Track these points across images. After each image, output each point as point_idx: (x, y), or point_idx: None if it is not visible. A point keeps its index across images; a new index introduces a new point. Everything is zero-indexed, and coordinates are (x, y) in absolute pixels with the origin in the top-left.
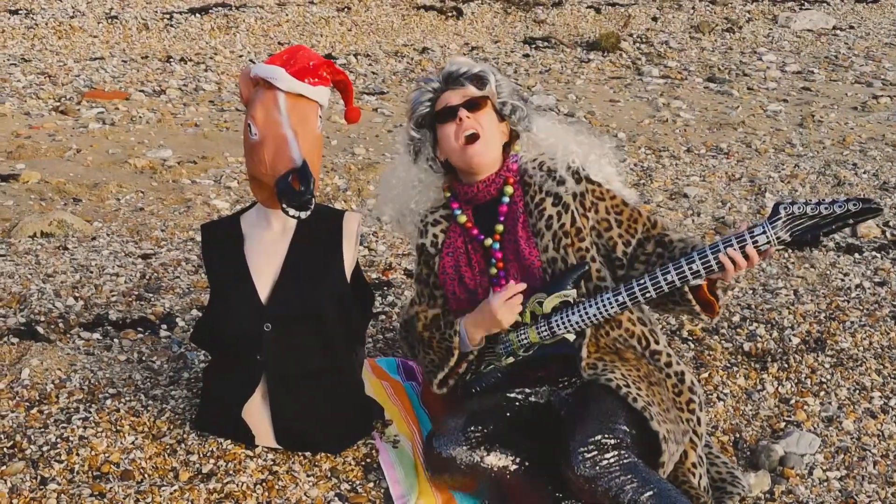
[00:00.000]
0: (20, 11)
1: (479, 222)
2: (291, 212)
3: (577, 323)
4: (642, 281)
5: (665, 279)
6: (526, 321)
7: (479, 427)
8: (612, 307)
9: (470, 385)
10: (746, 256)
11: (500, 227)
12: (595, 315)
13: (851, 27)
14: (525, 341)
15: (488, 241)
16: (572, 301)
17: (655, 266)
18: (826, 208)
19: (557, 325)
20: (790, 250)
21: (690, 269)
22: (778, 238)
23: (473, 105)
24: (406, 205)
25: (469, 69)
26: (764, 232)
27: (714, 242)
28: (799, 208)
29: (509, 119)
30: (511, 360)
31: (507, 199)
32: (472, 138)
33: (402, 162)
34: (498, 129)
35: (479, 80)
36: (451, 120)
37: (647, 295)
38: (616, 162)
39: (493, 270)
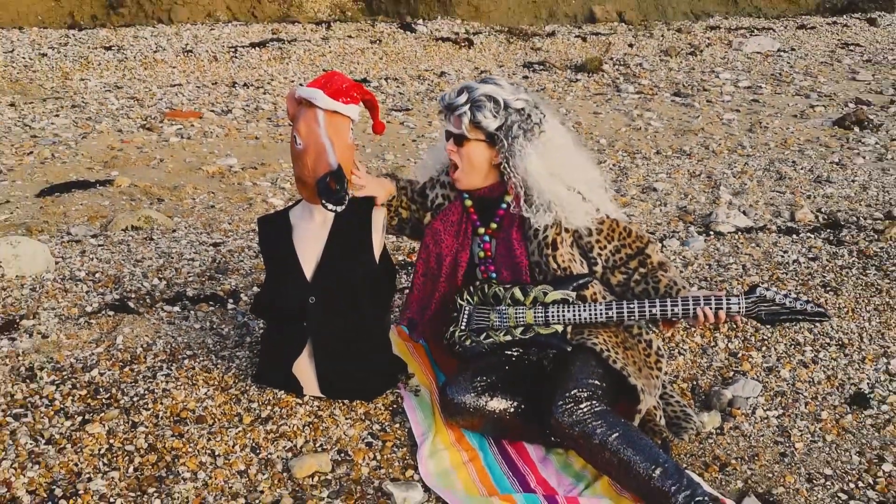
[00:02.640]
0: (113, 48)
1: (478, 211)
2: (329, 206)
3: (568, 319)
4: (631, 307)
5: (650, 311)
6: (527, 303)
7: (484, 378)
8: (600, 317)
9: (469, 351)
10: (716, 316)
11: (493, 225)
12: (585, 318)
13: (793, 49)
14: (521, 319)
15: (481, 230)
16: (570, 301)
17: (638, 288)
18: (791, 302)
19: (552, 315)
20: (749, 320)
21: (672, 310)
22: (746, 310)
23: (458, 140)
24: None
25: (453, 105)
26: (738, 303)
27: (696, 296)
28: (771, 294)
29: (496, 146)
30: (508, 338)
31: (505, 206)
32: (455, 167)
33: (440, 141)
34: (484, 157)
35: (459, 120)
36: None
37: (632, 318)
38: (606, 190)
39: (482, 254)
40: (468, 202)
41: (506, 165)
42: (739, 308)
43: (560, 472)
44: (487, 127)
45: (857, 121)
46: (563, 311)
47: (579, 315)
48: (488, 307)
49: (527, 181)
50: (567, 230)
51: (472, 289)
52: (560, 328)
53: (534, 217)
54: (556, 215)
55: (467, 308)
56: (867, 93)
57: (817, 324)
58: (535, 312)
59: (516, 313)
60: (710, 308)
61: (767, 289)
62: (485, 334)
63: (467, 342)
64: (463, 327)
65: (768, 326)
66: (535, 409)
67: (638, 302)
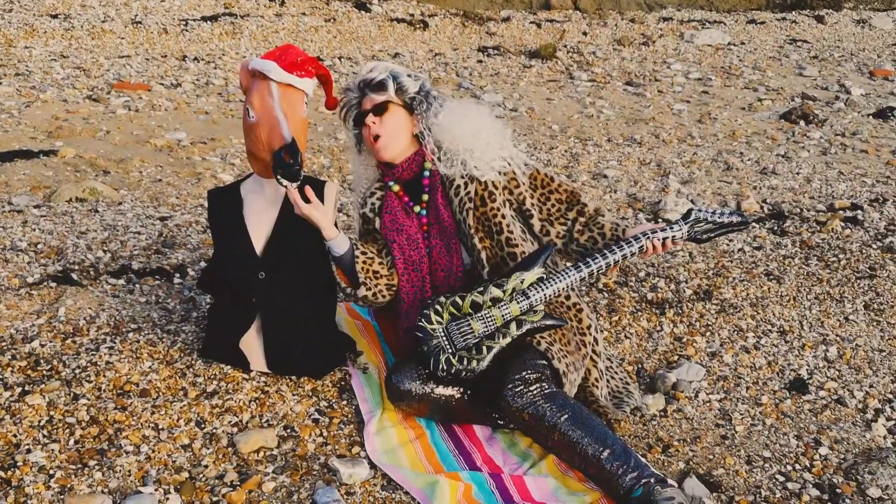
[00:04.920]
0: (59, 16)
1: (408, 193)
2: (283, 181)
3: (549, 295)
4: (597, 259)
5: (613, 258)
6: (506, 298)
7: None
8: (574, 281)
9: (476, 372)
10: (664, 245)
11: (425, 197)
12: (564, 288)
13: (743, 43)
14: (508, 315)
15: (417, 208)
16: (545, 277)
17: (584, 237)
18: (718, 217)
19: (535, 299)
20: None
21: (630, 251)
22: (685, 233)
23: (379, 110)
24: (361, 185)
25: (374, 78)
26: (680, 229)
27: (645, 231)
28: (704, 215)
29: (416, 112)
30: (508, 339)
31: (427, 173)
32: (377, 138)
33: (351, 155)
34: (405, 124)
35: (382, 87)
36: (365, 123)
37: (601, 271)
38: (510, 140)
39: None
40: (395, 188)
41: (424, 128)
42: (682, 232)
43: (506, 451)
44: (408, 89)
45: (802, 115)
46: (543, 290)
47: (556, 287)
48: (464, 318)
49: (440, 139)
50: (496, 186)
51: (438, 308)
52: (541, 307)
53: (447, 168)
54: (468, 165)
55: (440, 329)
56: (813, 88)
57: (743, 232)
58: (518, 303)
59: (501, 312)
60: (658, 239)
61: (700, 210)
62: (485, 347)
63: (473, 364)
64: (452, 350)
65: (701, 244)
66: (481, 393)
67: (601, 254)
